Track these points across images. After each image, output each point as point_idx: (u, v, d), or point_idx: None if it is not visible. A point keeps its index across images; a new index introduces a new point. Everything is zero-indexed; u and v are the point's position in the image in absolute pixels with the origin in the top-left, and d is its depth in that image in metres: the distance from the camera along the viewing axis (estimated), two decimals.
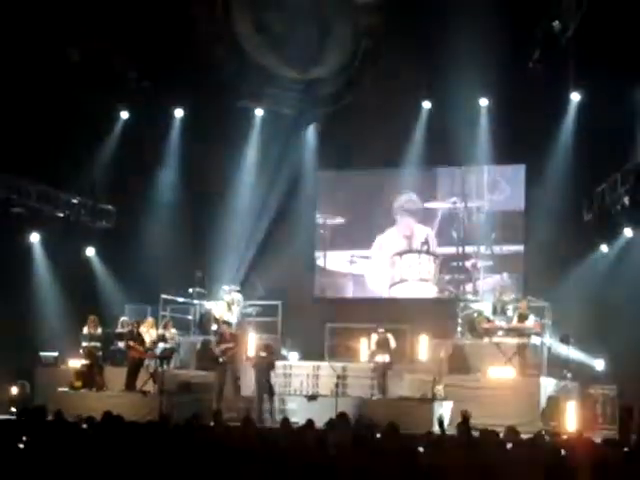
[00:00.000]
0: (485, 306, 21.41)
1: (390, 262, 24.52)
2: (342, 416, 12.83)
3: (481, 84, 22.83)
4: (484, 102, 24.25)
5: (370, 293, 25.57)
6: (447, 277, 24.43)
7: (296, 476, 8.74)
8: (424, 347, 21.05)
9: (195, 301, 23.46)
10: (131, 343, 20.40)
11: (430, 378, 18.81)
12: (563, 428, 17.26)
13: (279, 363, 20.62)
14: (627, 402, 18.30)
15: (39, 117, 21.83)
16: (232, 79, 24.53)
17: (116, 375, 20.58)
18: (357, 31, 24.05)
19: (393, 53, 23.40)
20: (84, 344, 20.80)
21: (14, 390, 20.98)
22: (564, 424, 17.62)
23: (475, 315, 21.19)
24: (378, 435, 11.46)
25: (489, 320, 20.77)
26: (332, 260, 26.15)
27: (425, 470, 8.79)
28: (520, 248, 24.38)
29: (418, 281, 23.48)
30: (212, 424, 13.65)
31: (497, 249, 24.61)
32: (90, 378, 20.43)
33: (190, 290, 23.41)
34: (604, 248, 22.26)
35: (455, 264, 24.62)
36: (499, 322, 20.63)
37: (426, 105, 24.77)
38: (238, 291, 23.18)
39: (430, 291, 23.68)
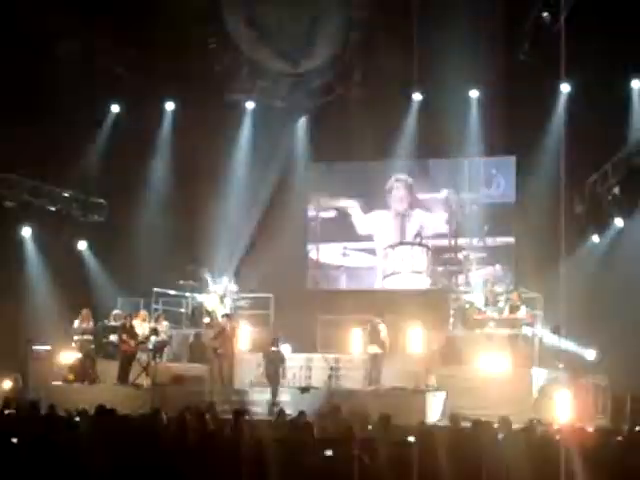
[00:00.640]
0: (477, 297, 21.43)
1: (383, 254, 24.52)
2: (335, 408, 12.87)
3: (471, 76, 22.85)
4: (474, 94, 24.29)
5: (363, 285, 25.61)
6: (440, 269, 24.43)
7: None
8: (417, 339, 21.06)
9: (187, 294, 23.45)
10: (124, 336, 20.40)
11: (423, 369, 18.83)
12: (555, 418, 17.30)
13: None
14: (619, 392, 18.35)
15: (29, 111, 21.78)
16: (223, 72, 24.52)
17: (109, 368, 20.57)
18: (347, 23, 24.04)
19: (383, 45, 23.38)
20: (77, 338, 20.81)
21: (7, 384, 20.95)
22: (556, 414, 17.66)
23: (467, 306, 21.22)
24: (370, 426, 11.50)
25: (481, 311, 20.81)
26: (325, 252, 26.18)
27: (417, 461, 8.82)
28: (511, 240, 24.48)
29: (411, 273, 23.45)
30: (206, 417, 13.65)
31: (489, 241, 24.69)
32: (83, 371, 20.43)
33: (182, 283, 23.39)
34: (595, 238, 22.32)
35: (448, 256, 24.62)
36: (491, 313, 20.66)
37: (417, 97, 24.79)
38: (231, 283, 23.19)
39: (423, 283, 23.70)
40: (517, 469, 8.74)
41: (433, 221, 25.31)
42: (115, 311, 21.76)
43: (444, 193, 25.06)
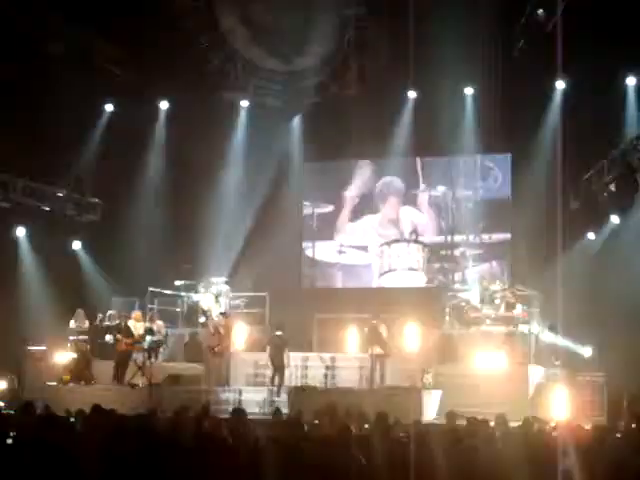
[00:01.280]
0: (473, 295, 21.42)
1: (379, 252, 24.49)
2: (331, 407, 12.83)
3: (466, 73, 22.83)
4: (469, 91, 24.29)
5: (359, 282, 25.60)
6: (436, 266, 24.45)
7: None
8: (413, 336, 21.03)
9: (183, 293, 23.42)
10: (119, 336, 20.40)
11: (419, 367, 18.81)
12: (552, 415, 17.27)
13: (265, 355, 20.46)
14: (615, 389, 18.34)
15: (24, 111, 21.72)
16: (217, 71, 24.49)
17: (104, 368, 20.55)
18: (341, 22, 24.01)
19: (378, 44, 23.36)
20: (72, 338, 20.77)
21: (2, 385, 20.91)
22: (553, 412, 17.63)
23: (463, 304, 21.21)
24: (366, 425, 11.47)
25: (477, 309, 20.79)
26: (320, 250, 26.17)
27: (414, 459, 8.79)
28: (507, 236, 24.49)
29: (407, 270, 23.44)
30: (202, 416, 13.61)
31: (485, 237, 24.69)
32: (78, 372, 20.41)
33: (177, 282, 23.36)
34: (591, 235, 22.31)
35: (444, 253, 24.64)
36: (487, 311, 20.65)
37: (411, 95, 24.77)
38: (226, 282, 23.15)
39: (419, 280, 23.69)
40: (514, 467, 8.71)
41: (428, 219, 25.28)
42: (110, 311, 21.74)
43: (440, 190, 25.06)
